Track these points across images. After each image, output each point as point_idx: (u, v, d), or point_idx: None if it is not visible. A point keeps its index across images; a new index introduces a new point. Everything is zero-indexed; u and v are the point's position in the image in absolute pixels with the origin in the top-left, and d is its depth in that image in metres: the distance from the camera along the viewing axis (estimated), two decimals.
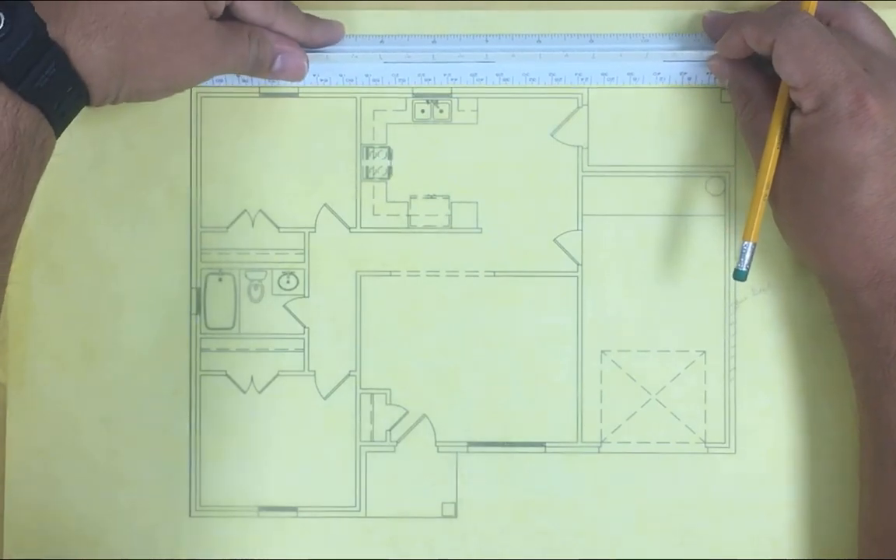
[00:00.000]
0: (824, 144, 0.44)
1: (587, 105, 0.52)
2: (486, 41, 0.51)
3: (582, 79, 0.52)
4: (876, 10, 0.48)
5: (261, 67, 0.49)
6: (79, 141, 0.51)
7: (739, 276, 0.47)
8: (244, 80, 0.51)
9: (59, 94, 0.43)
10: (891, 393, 0.45)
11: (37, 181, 0.44)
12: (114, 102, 0.45)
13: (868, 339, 0.46)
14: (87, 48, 0.43)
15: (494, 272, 0.52)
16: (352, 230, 0.52)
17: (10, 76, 0.41)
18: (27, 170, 0.43)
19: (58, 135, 0.44)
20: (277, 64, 0.49)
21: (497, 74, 0.52)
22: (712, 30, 0.50)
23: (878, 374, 0.46)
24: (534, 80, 0.52)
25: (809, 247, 0.47)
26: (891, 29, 0.48)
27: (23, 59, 0.41)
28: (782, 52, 0.44)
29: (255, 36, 0.48)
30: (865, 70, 0.44)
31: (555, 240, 0.52)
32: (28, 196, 0.44)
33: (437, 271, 0.52)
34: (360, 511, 0.52)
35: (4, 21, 0.41)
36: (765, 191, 0.47)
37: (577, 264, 0.52)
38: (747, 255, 0.47)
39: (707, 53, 0.50)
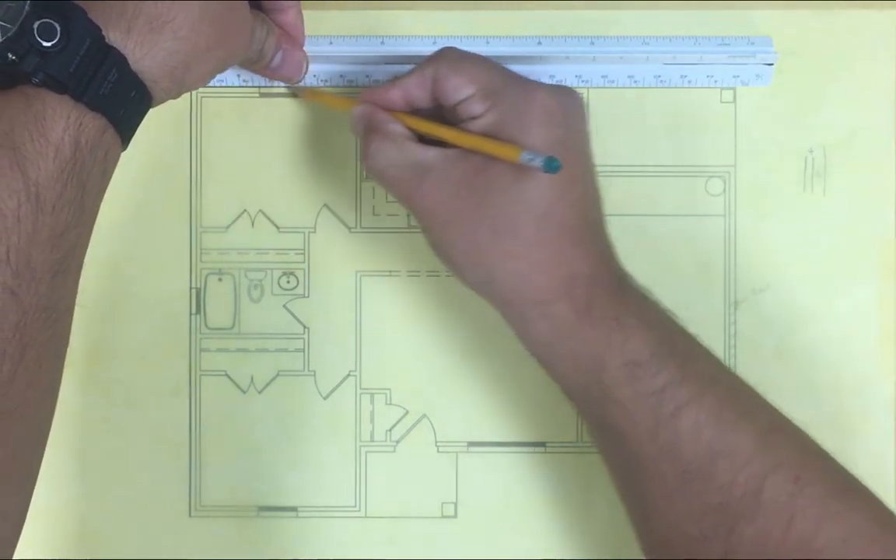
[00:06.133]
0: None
1: (587, 105, 0.52)
2: (487, 43, 0.51)
3: (582, 81, 0.52)
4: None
5: (262, 58, 0.48)
6: None
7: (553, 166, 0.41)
8: (244, 80, 0.51)
9: (123, 98, 0.40)
10: (613, 403, 0.43)
11: (100, 196, 0.42)
12: (175, 97, 0.44)
13: (573, 357, 0.43)
14: (153, 43, 0.41)
15: None
16: (352, 230, 0.52)
17: (73, 87, 0.39)
18: (87, 184, 0.40)
19: (125, 143, 0.42)
20: (277, 59, 0.48)
21: None
22: None
23: (596, 391, 0.43)
24: None
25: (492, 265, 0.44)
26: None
27: (84, 67, 0.39)
28: (445, 72, 0.44)
29: (267, 22, 0.47)
30: None
31: None
32: (90, 212, 0.41)
33: (437, 271, 0.52)
34: (360, 511, 0.52)
35: (60, 31, 0.38)
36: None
37: None
38: None
39: (708, 56, 0.50)
